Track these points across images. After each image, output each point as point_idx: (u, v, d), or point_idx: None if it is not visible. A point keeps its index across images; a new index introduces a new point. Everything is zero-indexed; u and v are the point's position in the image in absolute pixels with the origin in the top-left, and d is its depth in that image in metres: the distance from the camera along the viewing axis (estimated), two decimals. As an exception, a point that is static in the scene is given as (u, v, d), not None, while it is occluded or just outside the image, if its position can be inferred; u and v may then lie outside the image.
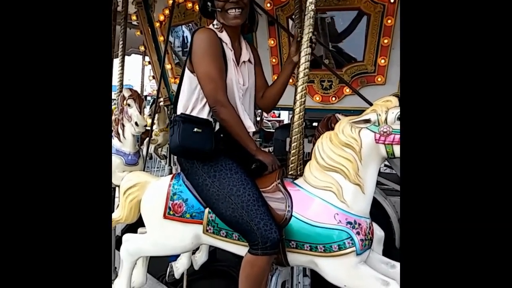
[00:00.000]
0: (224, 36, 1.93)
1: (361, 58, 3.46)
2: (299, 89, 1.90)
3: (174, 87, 4.72)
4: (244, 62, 2.01)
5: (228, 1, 1.86)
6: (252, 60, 2.08)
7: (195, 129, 1.81)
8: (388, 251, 2.08)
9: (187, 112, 1.91)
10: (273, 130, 6.65)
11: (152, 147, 5.71)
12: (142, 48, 5.59)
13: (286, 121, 10.85)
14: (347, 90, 3.44)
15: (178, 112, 1.94)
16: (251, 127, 1.95)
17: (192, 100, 1.91)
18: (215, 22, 1.97)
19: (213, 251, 3.03)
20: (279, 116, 13.42)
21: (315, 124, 3.38)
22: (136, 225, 2.30)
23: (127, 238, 2.17)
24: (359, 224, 1.76)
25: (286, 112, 10.42)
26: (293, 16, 3.07)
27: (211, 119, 1.88)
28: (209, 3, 1.93)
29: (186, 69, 1.93)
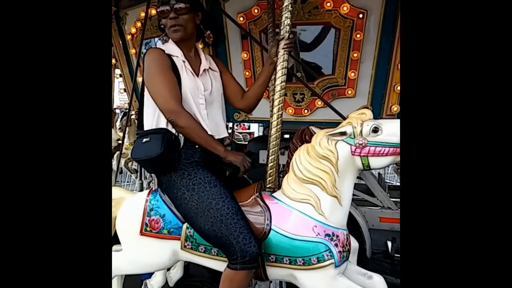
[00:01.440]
0: (174, 50, 1.98)
1: (329, 71, 3.55)
2: (276, 102, 1.92)
3: (146, 100, 4.65)
4: (205, 70, 2.05)
5: (167, 17, 1.95)
6: (215, 68, 2.14)
7: (144, 140, 1.85)
8: (360, 261, 2.12)
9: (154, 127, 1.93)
10: (245, 143, 6.65)
11: (122, 161, 5.58)
12: (113, 61, 5.50)
13: (256, 134, 10.87)
14: (319, 103, 3.51)
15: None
16: (222, 134, 2.01)
17: (155, 118, 1.93)
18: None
19: (186, 266, 2.98)
20: (249, 129, 13.43)
21: (286, 136, 3.41)
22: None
23: (101, 256, 2.10)
24: (337, 236, 1.78)
25: (256, 125, 10.46)
26: (266, 30, 3.13)
27: (169, 128, 1.89)
28: (161, 22, 2.03)
29: (146, 88, 1.95)
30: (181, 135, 1.90)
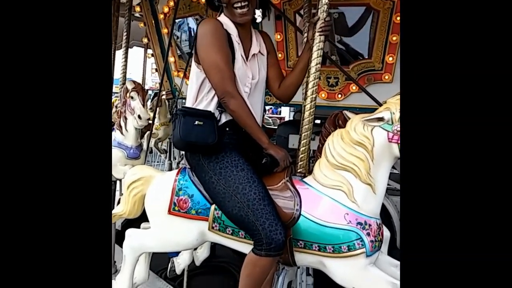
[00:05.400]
0: (231, 27, 1.87)
1: (366, 55, 3.42)
2: (310, 85, 1.86)
3: (177, 80, 4.66)
4: (254, 55, 1.94)
5: None
6: (264, 52, 2.01)
7: (196, 122, 1.78)
8: (390, 251, 2.05)
9: (195, 106, 1.87)
10: (274, 127, 6.60)
11: (152, 141, 5.65)
12: (145, 40, 5.52)
13: (287, 118, 10.78)
14: (353, 88, 3.40)
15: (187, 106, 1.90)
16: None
17: (200, 94, 1.87)
18: (222, 15, 1.92)
19: (213, 247, 3.01)
20: (279, 114, 13.33)
21: (317, 121, 3.34)
22: (136, 219, 2.25)
23: (130, 233, 2.13)
24: (369, 225, 1.72)
25: (287, 109, 10.36)
26: (301, 11, 3.04)
27: (214, 111, 1.84)
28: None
29: (193, 62, 1.88)
30: (222, 116, 1.85)
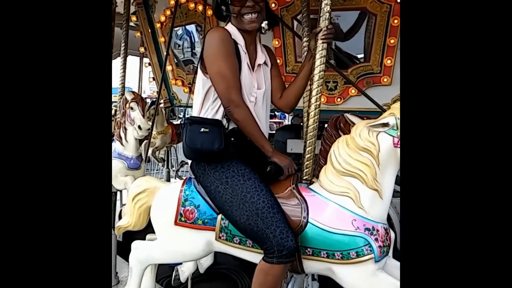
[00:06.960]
0: (238, 36, 1.88)
1: (362, 58, 3.44)
2: (314, 92, 1.86)
3: (174, 88, 4.66)
4: (259, 65, 1.95)
5: (244, 5, 1.82)
6: (268, 63, 2.03)
7: (202, 129, 1.77)
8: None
9: (201, 115, 1.87)
10: (272, 131, 6.59)
11: (150, 150, 5.61)
12: (142, 49, 5.51)
13: (285, 123, 10.78)
14: (352, 91, 3.42)
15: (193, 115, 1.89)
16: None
17: (206, 103, 1.87)
18: (229, 24, 1.93)
19: (214, 254, 3.00)
20: (280, 118, 13.24)
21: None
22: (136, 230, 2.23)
23: (136, 245, 2.11)
24: (377, 230, 1.72)
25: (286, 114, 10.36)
26: (298, 17, 3.05)
27: (221, 119, 1.84)
28: (223, 7, 1.88)
29: (199, 71, 1.88)
30: (229, 125, 1.85)
